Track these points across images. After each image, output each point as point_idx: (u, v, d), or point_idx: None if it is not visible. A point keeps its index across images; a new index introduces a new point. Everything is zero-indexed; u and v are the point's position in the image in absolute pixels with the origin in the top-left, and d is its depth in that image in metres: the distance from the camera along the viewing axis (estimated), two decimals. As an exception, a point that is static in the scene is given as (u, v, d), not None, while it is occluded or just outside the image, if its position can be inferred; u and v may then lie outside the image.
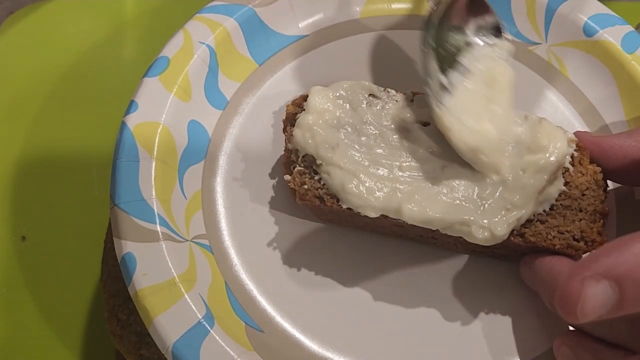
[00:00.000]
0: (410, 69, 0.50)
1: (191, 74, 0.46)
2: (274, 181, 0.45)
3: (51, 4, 0.70)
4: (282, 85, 0.49)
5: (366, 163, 0.40)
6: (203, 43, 0.47)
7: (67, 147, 0.61)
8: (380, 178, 0.40)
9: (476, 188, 0.39)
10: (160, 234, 0.40)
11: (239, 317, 0.40)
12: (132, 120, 0.43)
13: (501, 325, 0.41)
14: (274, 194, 0.45)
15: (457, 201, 0.39)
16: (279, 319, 0.41)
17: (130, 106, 0.43)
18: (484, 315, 0.42)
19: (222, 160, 0.46)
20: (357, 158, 0.40)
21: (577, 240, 0.39)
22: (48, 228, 0.58)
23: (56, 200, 0.59)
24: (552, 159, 0.39)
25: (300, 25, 0.52)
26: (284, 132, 0.43)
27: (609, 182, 0.42)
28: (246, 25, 0.49)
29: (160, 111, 0.44)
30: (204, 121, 0.46)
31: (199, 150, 0.45)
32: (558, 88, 0.50)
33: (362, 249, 0.43)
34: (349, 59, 0.51)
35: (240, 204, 0.44)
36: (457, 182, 0.39)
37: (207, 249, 0.42)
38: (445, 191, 0.39)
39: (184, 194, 0.43)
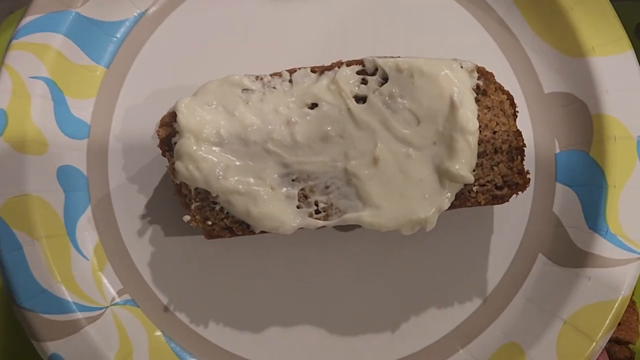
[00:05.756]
0: (273, 41, 0.45)
1: (36, 119, 0.40)
2: (166, 198, 0.42)
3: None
4: (143, 84, 0.43)
5: (264, 177, 0.37)
6: (36, 77, 0.40)
7: None
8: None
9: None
10: (78, 320, 0.37)
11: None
12: (-6, 202, 0.38)
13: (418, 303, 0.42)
14: (172, 213, 0.41)
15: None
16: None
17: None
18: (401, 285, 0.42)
19: (112, 196, 0.42)
20: (252, 180, 0.37)
21: (500, 188, 0.37)
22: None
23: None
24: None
25: (133, 1, 0.44)
26: (163, 156, 0.39)
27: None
28: (75, 33, 0.41)
29: (20, 180, 0.38)
30: (73, 161, 0.41)
31: (80, 198, 0.41)
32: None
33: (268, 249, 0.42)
34: (196, 32, 0.44)
35: (147, 238, 0.41)
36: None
37: (130, 304, 0.40)
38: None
39: (83, 255, 0.40)
